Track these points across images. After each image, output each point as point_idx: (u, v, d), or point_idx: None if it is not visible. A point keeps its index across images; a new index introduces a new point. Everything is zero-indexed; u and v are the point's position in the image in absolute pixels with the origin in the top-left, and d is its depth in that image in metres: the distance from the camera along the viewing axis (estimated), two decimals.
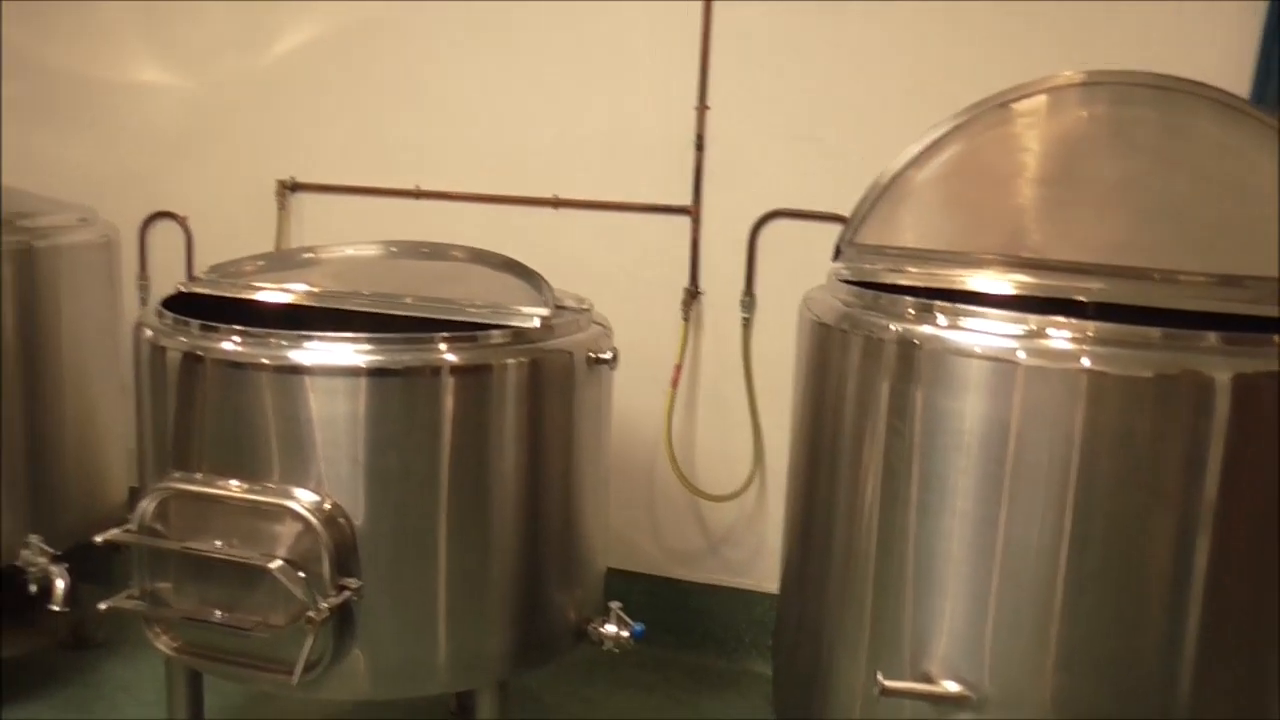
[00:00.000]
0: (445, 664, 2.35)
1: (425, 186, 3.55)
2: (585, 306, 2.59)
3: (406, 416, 2.26)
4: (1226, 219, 2.08)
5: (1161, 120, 2.12)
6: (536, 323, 2.36)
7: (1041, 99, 2.17)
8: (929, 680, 1.87)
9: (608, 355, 2.48)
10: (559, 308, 2.50)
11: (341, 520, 2.19)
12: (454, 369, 2.27)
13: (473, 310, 2.42)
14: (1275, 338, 1.77)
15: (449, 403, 2.28)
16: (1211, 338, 1.76)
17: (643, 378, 3.39)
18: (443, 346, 2.27)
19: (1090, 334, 1.78)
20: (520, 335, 2.36)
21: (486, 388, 2.31)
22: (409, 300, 2.46)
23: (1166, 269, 2.03)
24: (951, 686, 1.85)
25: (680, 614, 3.53)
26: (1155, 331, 1.77)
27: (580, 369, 2.45)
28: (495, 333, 2.34)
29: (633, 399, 3.40)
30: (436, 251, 2.79)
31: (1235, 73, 2.71)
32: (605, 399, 2.62)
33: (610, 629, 2.53)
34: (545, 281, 2.53)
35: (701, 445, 3.44)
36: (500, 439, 2.33)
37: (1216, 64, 2.67)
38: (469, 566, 2.33)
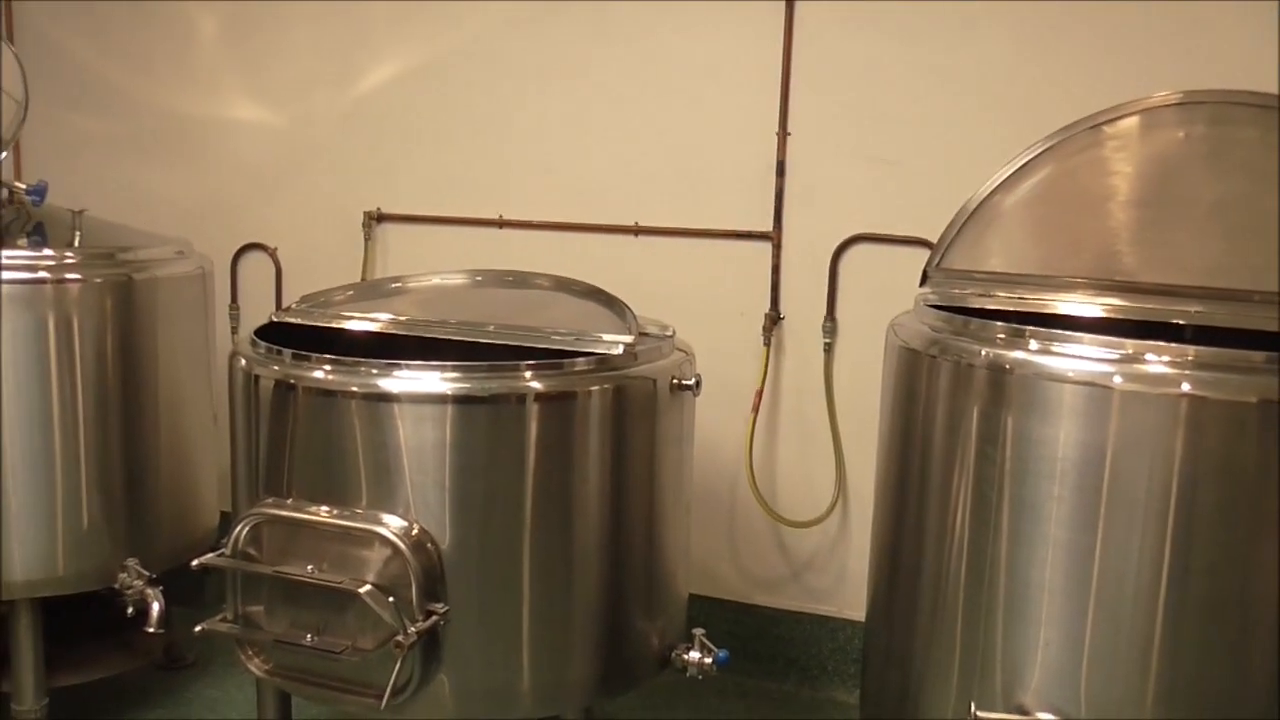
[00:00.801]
0: (529, 690, 2.35)
1: (508, 216, 3.60)
2: (668, 333, 2.60)
3: (492, 443, 2.28)
4: None
5: (1261, 139, 2.07)
6: (620, 350, 2.37)
7: (1135, 120, 2.13)
8: (1024, 711, 1.83)
9: (691, 381, 2.49)
10: (642, 334, 2.51)
11: (429, 545, 2.22)
12: (539, 396, 2.28)
13: (557, 338, 2.44)
14: None
15: (534, 429, 2.29)
16: None
17: (724, 403, 3.38)
18: (528, 374, 2.29)
19: (1190, 358, 1.74)
20: (604, 362, 2.37)
21: (570, 415, 2.33)
22: (494, 328, 2.49)
23: (1267, 291, 1.97)
24: (1047, 718, 1.81)
25: (762, 641, 3.50)
26: (1259, 355, 1.72)
27: (663, 395, 2.45)
28: (579, 360, 2.36)
29: (714, 425, 3.39)
30: (521, 280, 2.82)
31: None
32: (688, 425, 2.61)
33: (694, 655, 2.52)
34: (628, 308, 2.54)
35: (783, 471, 3.42)
36: (584, 465, 2.35)
37: None
38: (553, 592, 2.34)
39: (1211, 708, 1.74)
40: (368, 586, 2.16)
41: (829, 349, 3.29)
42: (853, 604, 3.25)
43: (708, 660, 2.50)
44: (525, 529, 2.30)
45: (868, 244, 3.26)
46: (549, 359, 2.33)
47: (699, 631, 2.54)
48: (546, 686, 2.36)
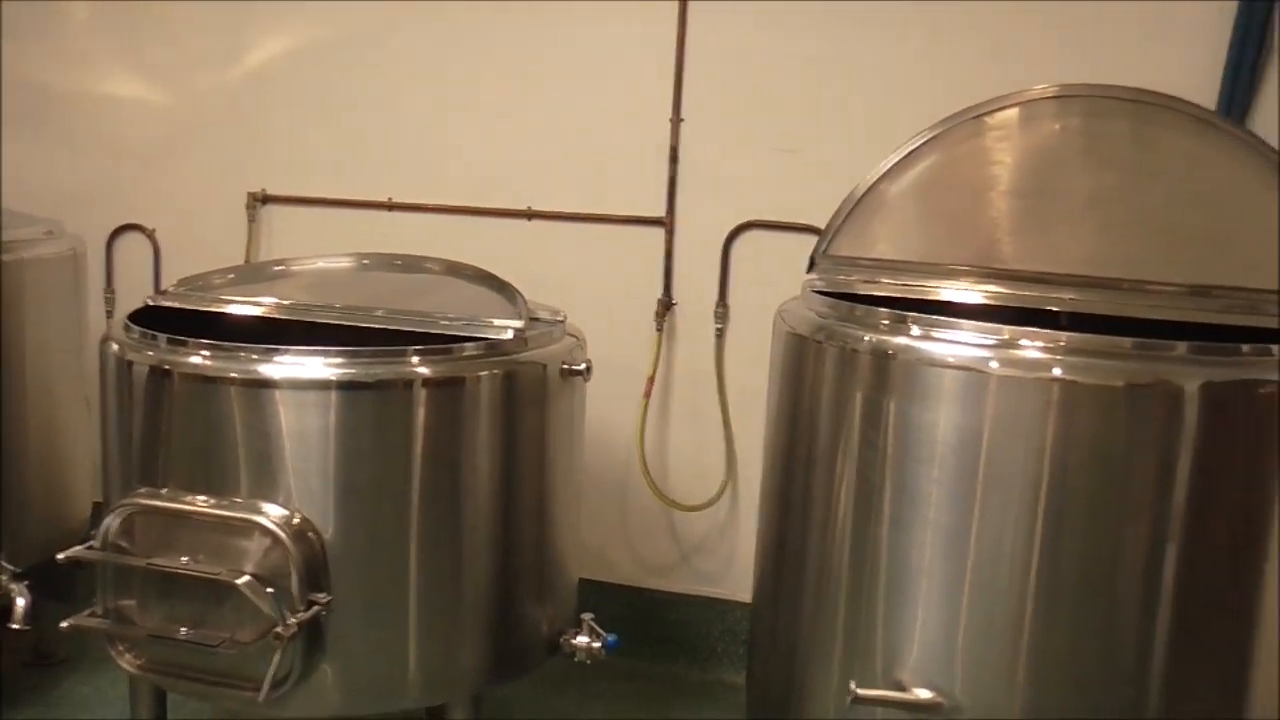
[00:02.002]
0: (417, 678, 2.32)
1: (398, 199, 3.53)
2: (559, 318, 2.58)
3: (378, 430, 2.24)
4: (1197, 230, 2.10)
5: (1134, 133, 2.13)
6: (510, 335, 2.35)
7: (1015, 112, 2.18)
8: (902, 688, 1.86)
9: (581, 366, 2.48)
10: (533, 319, 2.49)
11: (311, 535, 2.17)
12: (426, 381, 2.25)
13: (446, 323, 2.41)
14: (1244, 347, 1.78)
15: (421, 416, 2.26)
16: (1181, 347, 1.77)
17: (616, 389, 3.38)
18: (415, 359, 2.25)
19: (1062, 344, 1.79)
20: (494, 347, 2.35)
21: (459, 400, 2.30)
22: (381, 313, 2.44)
23: (1138, 279, 2.04)
24: (924, 694, 1.84)
25: (653, 624, 3.51)
26: (1126, 341, 1.78)
27: (554, 380, 2.44)
28: (468, 345, 2.33)
29: (607, 410, 3.39)
30: (410, 264, 2.77)
31: (1204, 86, 2.74)
32: (579, 410, 2.60)
33: (583, 640, 2.52)
34: (519, 293, 2.51)
35: (674, 456, 3.44)
36: (473, 451, 2.32)
37: (1185, 77, 2.70)
38: (441, 580, 2.31)
39: (1080, 683, 1.80)
40: (246, 577, 2.10)
41: (720, 334, 3.31)
42: (742, 586, 3.27)
43: (596, 645, 2.51)
44: (412, 517, 2.26)
45: (759, 230, 3.28)
46: (438, 344, 2.30)
47: (588, 616, 2.54)
48: (435, 675, 2.34)
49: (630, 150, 3.33)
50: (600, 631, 2.52)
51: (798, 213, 3.17)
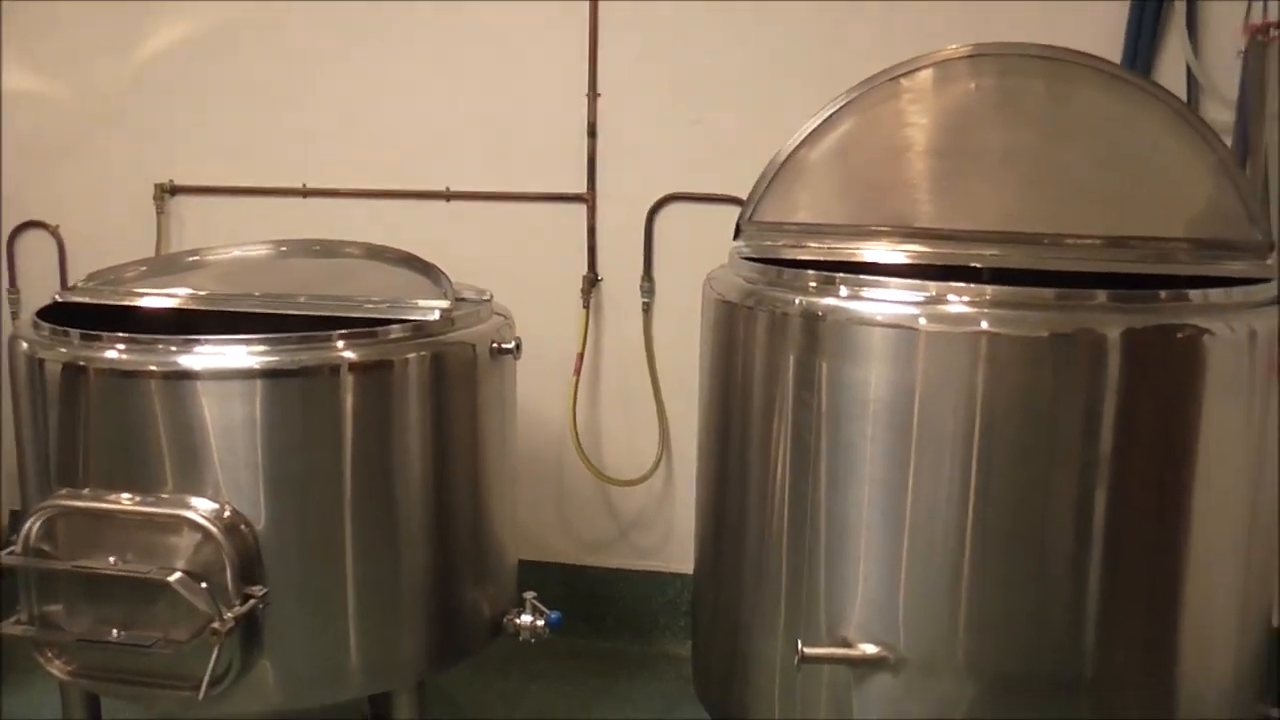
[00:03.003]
0: (358, 668, 2.29)
1: (313, 184, 3.46)
2: (485, 298, 2.56)
3: (306, 418, 2.19)
4: (1111, 183, 2.15)
5: (1047, 90, 2.17)
6: (436, 315, 2.32)
7: (929, 73, 2.21)
8: (847, 645, 1.88)
9: (510, 345, 2.45)
10: (459, 300, 2.46)
11: (243, 527, 2.12)
12: (353, 366, 2.21)
13: (370, 306, 2.37)
14: (1162, 293, 1.83)
15: (349, 401, 2.22)
16: (1102, 296, 1.81)
17: (546, 368, 3.36)
18: (340, 344, 2.21)
19: (988, 298, 1.81)
20: (420, 329, 2.31)
21: (387, 384, 2.26)
22: (303, 299, 2.39)
23: (1056, 233, 2.08)
24: (869, 649, 1.87)
25: (594, 601, 3.51)
26: (1049, 292, 1.81)
27: (483, 361, 2.41)
28: (394, 327, 2.29)
29: (538, 390, 3.37)
30: (329, 249, 2.72)
31: (1109, 42, 2.79)
32: (509, 390, 2.58)
33: (526, 620, 2.50)
34: (443, 274, 2.48)
35: (607, 432, 3.43)
36: (404, 435, 2.29)
37: (1091, 34, 2.75)
38: (378, 567, 2.28)
39: (1017, 630, 1.84)
40: (177, 574, 2.05)
41: (647, 309, 3.30)
42: (680, 558, 3.30)
43: (540, 623, 2.50)
44: (346, 504, 2.23)
45: (682, 203, 3.28)
46: (363, 328, 2.26)
47: (530, 595, 2.53)
48: (376, 664, 2.30)
49: (548, 127, 3.30)
50: (543, 609, 2.51)
51: (719, 184, 3.18)
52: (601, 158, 3.30)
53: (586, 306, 3.33)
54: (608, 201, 3.32)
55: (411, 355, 2.27)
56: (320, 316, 2.35)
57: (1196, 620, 1.88)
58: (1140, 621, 1.87)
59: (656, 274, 3.31)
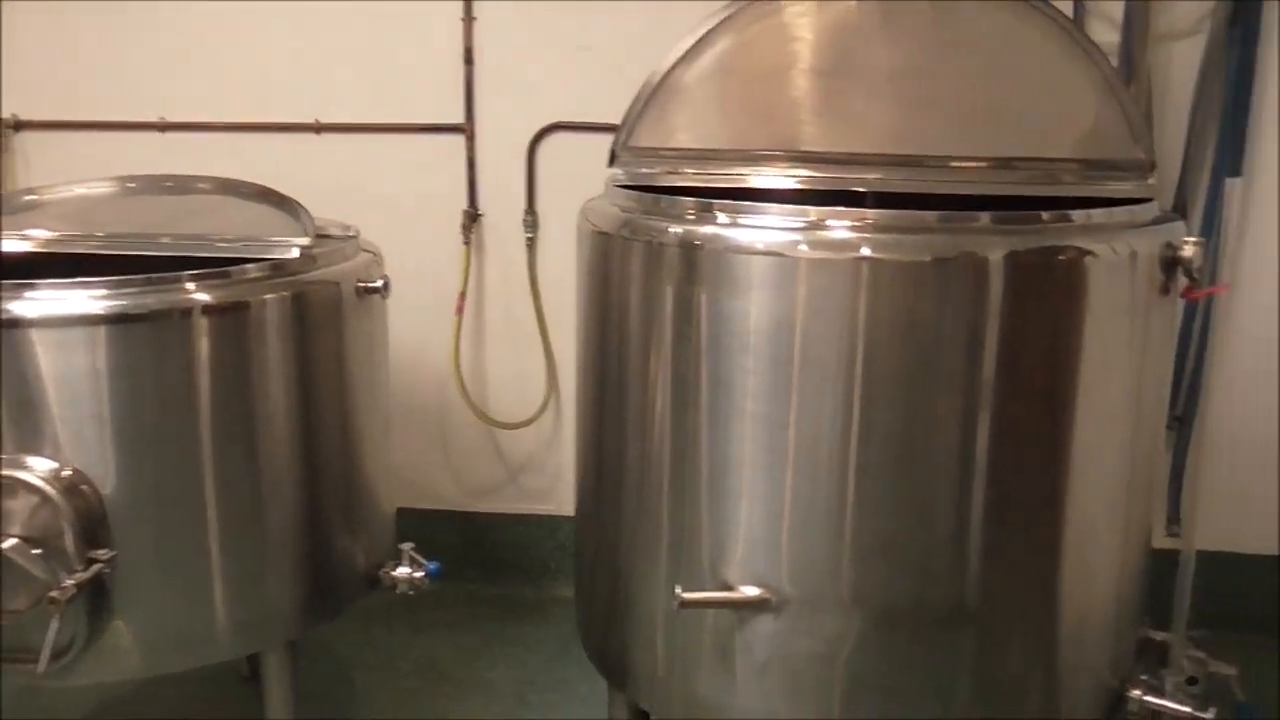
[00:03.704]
0: (225, 628, 2.16)
1: (172, 118, 3.24)
2: (351, 234, 2.41)
3: (155, 366, 2.04)
4: (996, 103, 2.08)
5: (933, 6, 2.09)
6: (295, 253, 2.17)
7: None
8: (728, 587, 1.82)
9: (378, 284, 2.32)
10: (321, 236, 2.31)
11: (85, 488, 1.97)
12: (206, 309, 2.06)
13: (224, 245, 2.21)
14: (1044, 215, 1.78)
15: (204, 346, 2.07)
16: (984, 218, 1.75)
17: (427, 307, 3.23)
18: (191, 285, 2.05)
19: (869, 222, 1.74)
20: (279, 268, 2.17)
21: (244, 327, 2.12)
22: (151, 239, 2.22)
23: (941, 155, 2.01)
24: (750, 591, 1.81)
25: (483, 547, 3.43)
26: (931, 216, 1.75)
27: (349, 300, 2.27)
28: (250, 267, 2.14)
29: (419, 331, 3.24)
30: (181, 185, 2.54)
31: None
32: (380, 331, 2.45)
33: (403, 571, 2.40)
34: (304, 209, 2.33)
35: (493, 373, 3.32)
36: (265, 381, 2.15)
37: None
38: (241, 523, 2.15)
39: (902, 563, 1.79)
40: (11, 541, 1.89)
41: (531, 244, 3.18)
42: (571, 501, 3.19)
43: (419, 575, 2.40)
44: (204, 457, 2.09)
45: (565, 133, 3.16)
46: (216, 268, 2.10)
47: (407, 546, 2.42)
48: (244, 624, 2.18)
49: (423, 54, 3.14)
50: (421, 560, 2.41)
51: (604, 113, 3.03)
52: (480, 86, 3.15)
53: (467, 243, 3.19)
54: (487, 132, 3.18)
55: (270, 296, 2.13)
56: (170, 257, 2.18)
57: (1079, 545, 1.86)
58: (1024, 548, 1.84)
59: (540, 208, 3.19)
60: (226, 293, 2.08)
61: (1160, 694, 1.95)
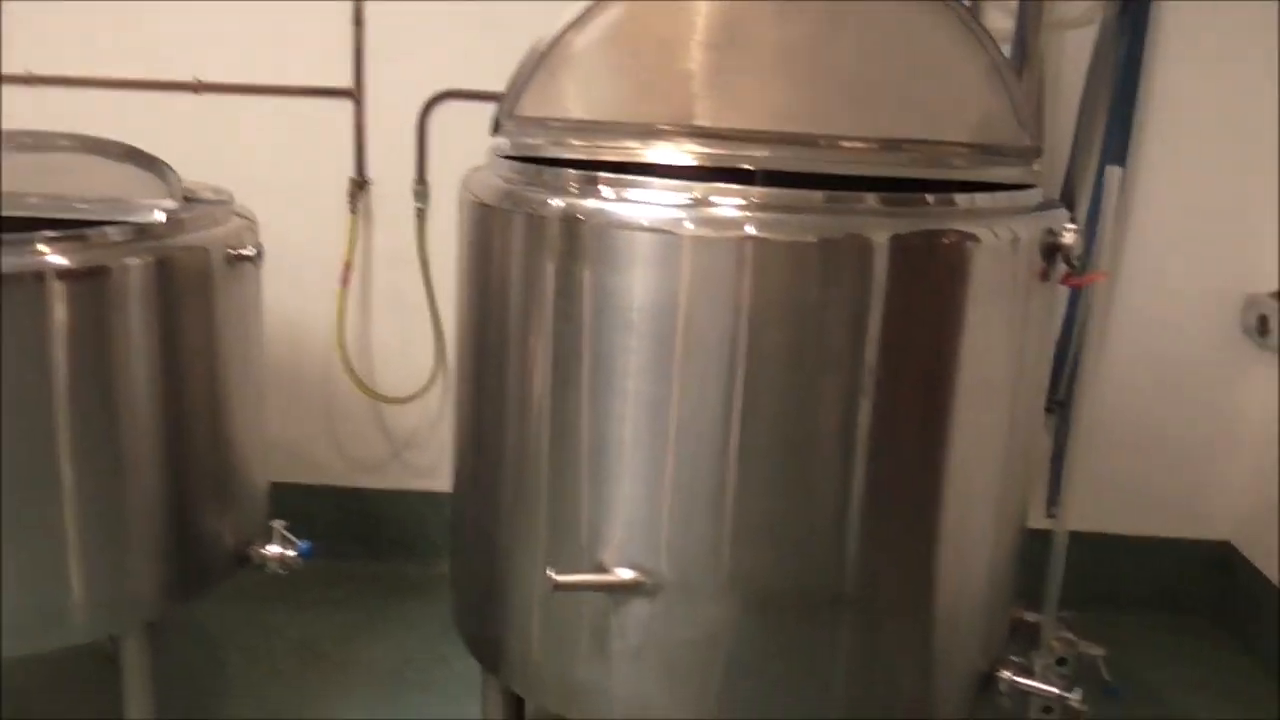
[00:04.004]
0: (81, 609, 2.07)
1: (40, 71, 3.06)
2: (223, 198, 2.30)
3: (6, 333, 1.92)
4: (886, 85, 2.06)
5: None
6: (160, 216, 2.06)
7: None
8: (603, 570, 1.79)
9: (251, 252, 2.22)
10: (192, 200, 2.20)
11: None
12: (62, 273, 1.95)
13: (83, 206, 2.09)
14: (929, 198, 1.77)
15: (59, 314, 1.96)
16: (870, 200, 1.73)
17: (311, 278, 3.12)
18: (44, 248, 1.94)
19: (755, 200, 1.71)
20: (143, 232, 2.06)
21: (104, 293, 2.01)
22: (3, 198, 2.09)
23: (831, 134, 1.98)
24: (626, 574, 1.77)
25: (367, 523, 3.35)
26: (817, 195, 1.72)
27: (219, 268, 2.17)
28: (111, 230, 2.03)
29: (302, 302, 3.14)
30: (41, 142, 2.38)
31: None
32: (253, 301, 2.35)
33: (274, 550, 2.32)
34: (172, 171, 2.21)
35: (379, 347, 3.23)
36: (127, 351, 2.04)
37: None
38: (99, 498, 2.05)
39: (783, 545, 1.78)
40: None
41: (421, 215, 3.09)
42: None
43: (290, 553, 2.31)
44: (58, 430, 1.98)
45: (458, 101, 3.07)
46: (75, 230, 1.98)
47: (278, 523, 2.34)
48: (100, 604, 2.08)
49: (310, 14, 3.02)
50: (292, 538, 2.33)
51: (500, 81, 2.96)
52: (370, 49, 3.05)
53: (354, 212, 3.09)
54: (377, 97, 3.08)
55: (132, 261, 2.02)
56: (25, 218, 2.06)
57: (956, 528, 1.87)
58: (902, 531, 1.84)
59: (431, 177, 3.10)
60: (84, 256, 1.97)
61: (1030, 675, 1.98)
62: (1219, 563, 3.30)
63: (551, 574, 1.75)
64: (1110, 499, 3.24)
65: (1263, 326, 3.06)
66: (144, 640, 2.19)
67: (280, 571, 2.32)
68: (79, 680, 2.77)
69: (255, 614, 3.09)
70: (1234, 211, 3.06)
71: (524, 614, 1.92)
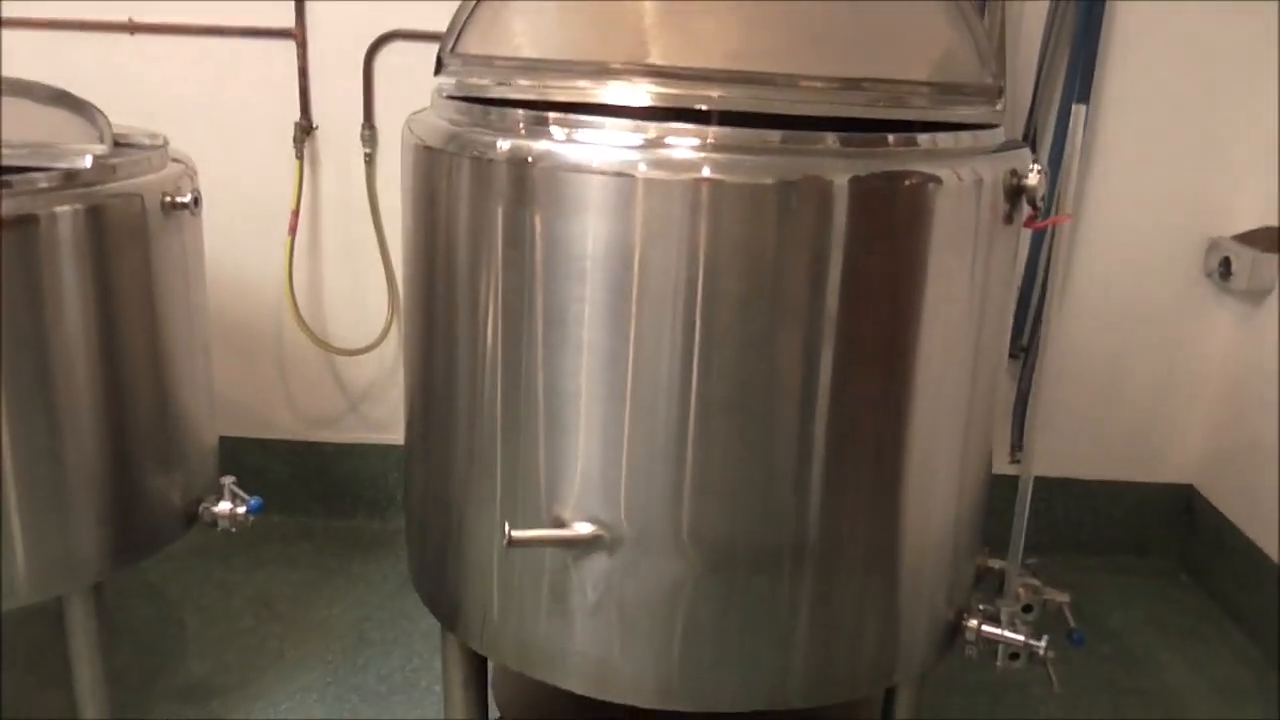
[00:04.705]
0: (23, 572, 2.00)
1: None
2: (158, 143, 2.20)
3: None
4: (846, 22, 1.99)
5: None
6: (88, 162, 1.97)
7: None
8: (561, 525, 1.74)
9: (187, 198, 2.13)
10: (124, 145, 2.11)
11: None
12: None
13: (8, 151, 1.99)
14: (890, 138, 1.70)
15: None
16: (829, 140, 1.67)
17: (258, 228, 3.03)
18: None
19: (711, 141, 1.64)
20: (71, 178, 1.96)
21: (32, 244, 1.92)
22: None
23: (789, 74, 1.91)
24: (584, 528, 1.72)
25: (324, 479, 3.28)
26: (775, 136, 1.65)
27: (155, 216, 2.08)
28: (38, 176, 1.93)
29: (250, 252, 3.05)
30: None
31: None
32: (194, 250, 2.26)
33: (224, 507, 2.26)
34: (102, 114, 2.11)
35: (331, 297, 3.15)
36: (58, 303, 1.96)
37: None
38: (36, 457, 1.98)
39: (742, 499, 1.73)
40: None
41: (370, 160, 3.00)
42: None
43: (240, 510, 2.25)
44: None
45: (405, 42, 2.97)
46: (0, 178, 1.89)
47: (228, 480, 2.27)
48: (41, 567, 2.02)
49: None
50: (243, 495, 2.26)
51: (447, 22, 2.87)
52: None
53: (300, 157, 2.99)
54: (321, 38, 2.97)
55: (61, 209, 1.94)
56: None
57: (920, 477, 1.83)
58: (866, 482, 1.79)
59: (379, 121, 3.01)
60: (10, 205, 1.89)
61: (996, 623, 1.96)
62: (1182, 506, 3.31)
63: (508, 529, 1.69)
64: (1072, 444, 3.24)
65: (1225, 269, 3.04)
66: (90, 601, 2.13)
67: (231, 529, 2.26)
68: (29, 644, 2.71)
69: (212, 572, 3.04)
70: (1197, 152, 3.03)
71: (481, 571, 1.87)
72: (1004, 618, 1.98)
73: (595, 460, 1.75)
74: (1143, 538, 3.35)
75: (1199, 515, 3.27)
